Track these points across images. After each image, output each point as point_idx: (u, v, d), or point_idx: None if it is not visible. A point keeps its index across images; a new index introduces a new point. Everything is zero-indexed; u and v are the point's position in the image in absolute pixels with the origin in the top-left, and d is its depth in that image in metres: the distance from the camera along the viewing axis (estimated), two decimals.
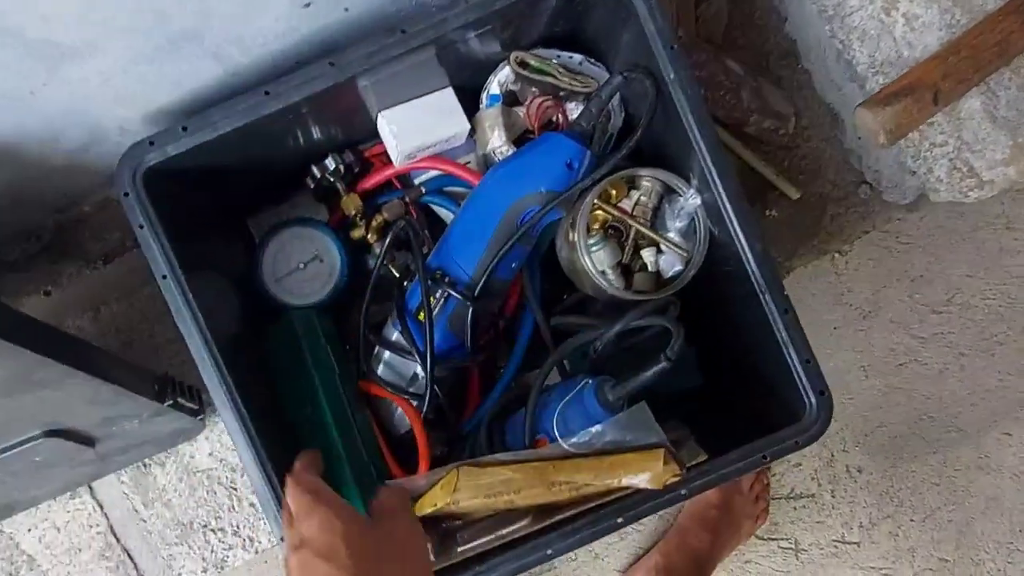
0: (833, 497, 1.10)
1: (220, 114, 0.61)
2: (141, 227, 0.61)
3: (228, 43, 0.59)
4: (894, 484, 1.11)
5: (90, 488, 0.93)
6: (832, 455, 1.10)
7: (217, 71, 0.62)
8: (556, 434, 0.59)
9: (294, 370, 0.70)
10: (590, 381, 0.61)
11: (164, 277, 0.61)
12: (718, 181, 0.62)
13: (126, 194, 0.60)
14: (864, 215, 0.98)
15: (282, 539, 0.55)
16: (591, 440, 0.57)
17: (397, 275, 0.75)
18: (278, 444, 0.65)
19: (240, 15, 0.55)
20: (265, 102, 0.61)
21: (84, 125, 0.60)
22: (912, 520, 1.10)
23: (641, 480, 0.59)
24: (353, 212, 0.77)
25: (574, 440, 0.58)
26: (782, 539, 1.10)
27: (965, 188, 0.75)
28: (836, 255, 1.09)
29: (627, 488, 0.62)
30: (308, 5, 0.59)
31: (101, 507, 0.93)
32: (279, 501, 0.63)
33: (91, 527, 0.93)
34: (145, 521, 0.94)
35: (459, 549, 0.64)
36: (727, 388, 0.78)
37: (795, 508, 1.10)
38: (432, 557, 0.65)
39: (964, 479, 1.10)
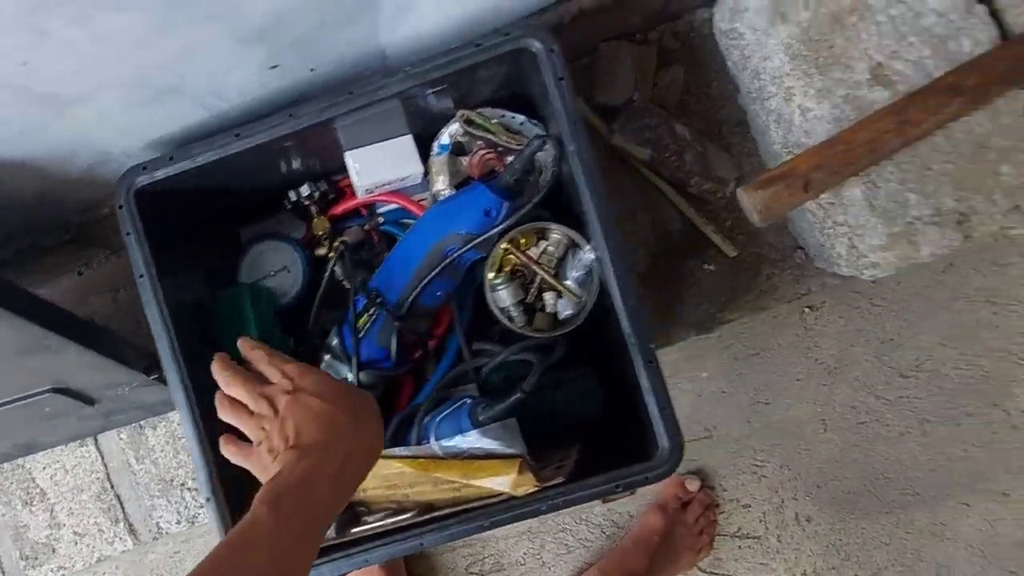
0: (779, 542, 1.11)
1: (199, 149, 0.75)
2: (128, 234, 0.75)
3: (208, 95, 0.73)
4: (842, 538, 1.11)
5: (95, 440, 1.09)
6: (783, 501, 1.11)
7: (203, 114, 0.76)
8: (433, 439, 0.70)
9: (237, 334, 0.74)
10: (467, 401, 0.71)
11: (140, 276, 0.75)
12: (601, 241, 0.71)
13: (120, 207, 0.75)
14: (799, 278, 1.02)
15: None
16: (459, 445, 0.67)
17: (350, 289, 0.88)
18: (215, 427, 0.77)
19: (213, 74, 0.68)
20: (234, 142, 0.74)
21: (92, 150, 0.75)
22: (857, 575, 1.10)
23: (501, 484, 0.68)
24: (320, 233, 0.90)
25: (447, 443, 0.68)
26: (723, 575, 1.12)
27: (860, 266, 0.80)
28: (807, 310, 1.11)
29: (496, 494, 0.71)
30: (275, 67, 0.72)
31: (102, 457, 1.09)
32: (210, 473, 0.75)
33: (92, 472, 1.09)
34: (135, 474, 1.08)
35: (353, 530, 0.75)
36: (613, 422, 0.86)
37: (739, 547, 1.12)
38: (334, 532, 0.76)
39: (916, 543, 1.09)
